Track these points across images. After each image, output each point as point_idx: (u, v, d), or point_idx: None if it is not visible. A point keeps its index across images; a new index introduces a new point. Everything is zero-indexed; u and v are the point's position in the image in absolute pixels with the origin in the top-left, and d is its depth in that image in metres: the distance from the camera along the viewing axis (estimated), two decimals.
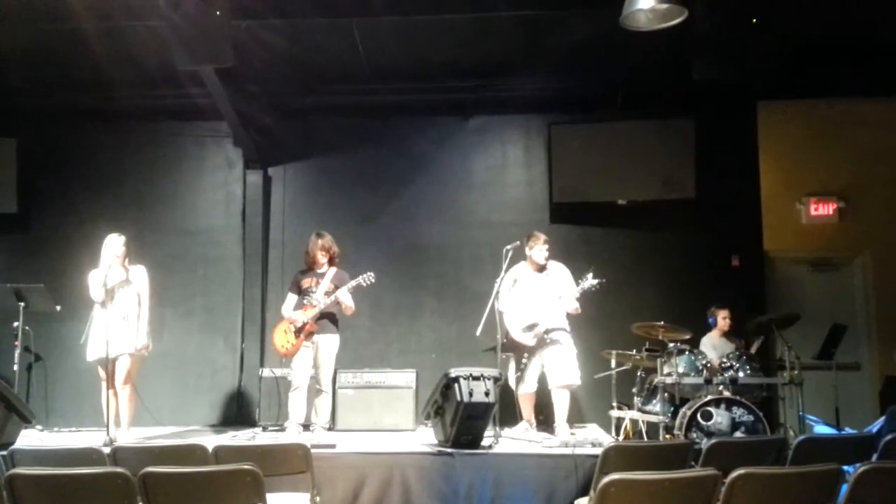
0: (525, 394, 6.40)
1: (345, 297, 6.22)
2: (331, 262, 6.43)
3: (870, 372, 8.16)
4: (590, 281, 6.08)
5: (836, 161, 8.26)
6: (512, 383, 6.37)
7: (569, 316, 6.34)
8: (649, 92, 7.73)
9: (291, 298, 6.45)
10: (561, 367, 6.20)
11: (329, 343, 6.33)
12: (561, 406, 6.21)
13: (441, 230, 8.14)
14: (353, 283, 6.23)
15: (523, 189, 8.20)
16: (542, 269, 6.42)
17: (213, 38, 6.23)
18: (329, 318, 6.35)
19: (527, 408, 6.48)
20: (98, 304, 6.07)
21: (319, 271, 6.40)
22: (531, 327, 6.23)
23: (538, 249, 6.37)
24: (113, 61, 7.00)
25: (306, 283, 6.40)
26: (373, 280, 6.29)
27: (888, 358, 7.81)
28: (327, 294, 6.27)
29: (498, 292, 6.12)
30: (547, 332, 6.20)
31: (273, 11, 6.51)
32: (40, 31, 6.72)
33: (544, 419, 6.52)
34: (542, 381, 6.36)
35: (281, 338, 6.32)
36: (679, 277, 7.81)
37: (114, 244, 6.13)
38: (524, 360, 6.30)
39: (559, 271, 6.45)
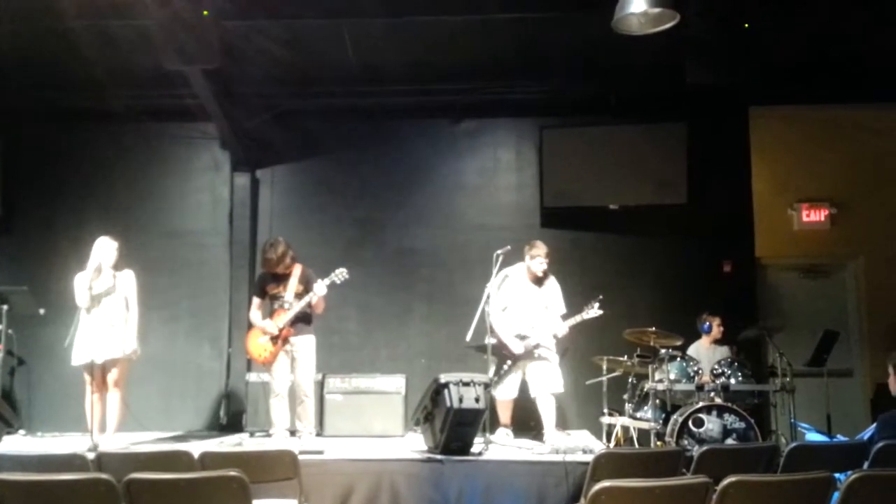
0: (504, 400, 6.38)
1: (320, 291, 6.03)
2: (289, 268, 6.23)
3: (861, 379, 8.15)
4: (595, 310, 6.15)
5: (829, 167, 8.26)
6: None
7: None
8: (642, 96, 7.73)
9: (256, 303, 6.29)
10: (545, 377, 6.20)
11: (307, 344, 6.19)
12: (548, 413, 6.18)
13: (431, 234, 8.10)
14: (326, 281, 6.07)
15: (514, 193, 8.17)
16: (537, 280, 6.38)
17: (201, 37, 6.20)
18: (303, 319, 6.18)
19: (505, 413, 6.45)
20: (83, 308, 5.96)
21: (283, 272, 6.22)
22: (522, 338, 6.23)
23: (538, 261, 6.31)
24: (100, 61, 6.93)
25: (272, 288, 6.24)
26: (346, 276, 6.13)
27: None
28: (297, 296, 6.14)
29: (489, 296, 6.07)
30: (536, 346, 6.21)
31: (262, 12, 6.48)
32: (26, 30, 6.64)
33: (535, 425, 6.47)
34: (523, 388, 6.34)
35: (256, 347, 6.17)
36: (670, 283, 7.79)
37: (105, 248, 6.03)
38: (505, 367, 6.27)
39: (552, 287, 6.42)
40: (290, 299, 6.14)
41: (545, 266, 6.33)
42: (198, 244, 8.11)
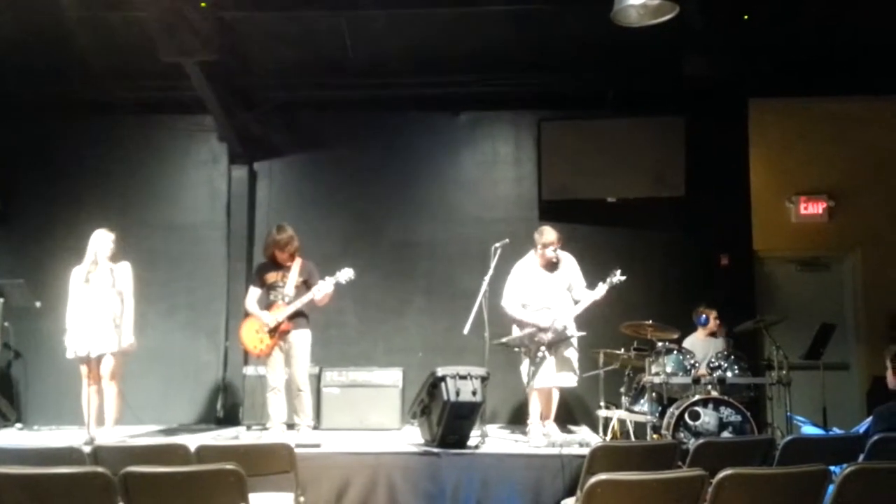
0: (544, 388, 6.04)
1: (325, 289, 5.94)
2: (292, 256, 6.15)
3: (857, 372, 8.15)
4: (617, 277, 5.92)
5: (827, 160, 8.25)
6: (525, 380, 6.05)
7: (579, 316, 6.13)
8: (640, 89, 7.71)
9: (254, 292, 6.16)
10: (563, 370, 6.03)
11: (303, 338, 6.10)
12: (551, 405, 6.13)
13: (429, 227, 8.09)
14: (331, 280, 5.98)
15: (513, 186, 8.16)
16: (552, 265, 6.18)
17: (198, 29, 6.17)
18: (300, 313, 6.09)
19: (546, 405, 6.12)
20: (78, 300, 5.94)
21: (285, 261, 6.13)
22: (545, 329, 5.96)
23: (550, 250, 6.08)
24: (96, 53, 6.91)
25: (272, 277, 6.11)
26: (352, 277, 6.02)
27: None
28: (297, 289, 6.06)
29: (486, 291, 5.97)
30: (565, 328, 5.99)
31: (260, 4, 6.44)
32: (22, 21, 6.61)
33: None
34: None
35: (252, 338, 6.06)
36: (668, 276, 7.79)
37: (102, 240, 5.99)
38: (539, 354, 5.91)
39: (568, 263, 6.23)
40: (290, 293, 6.04)
41: (556, 254, 6.11)
42: (195, 237, 8.09)
